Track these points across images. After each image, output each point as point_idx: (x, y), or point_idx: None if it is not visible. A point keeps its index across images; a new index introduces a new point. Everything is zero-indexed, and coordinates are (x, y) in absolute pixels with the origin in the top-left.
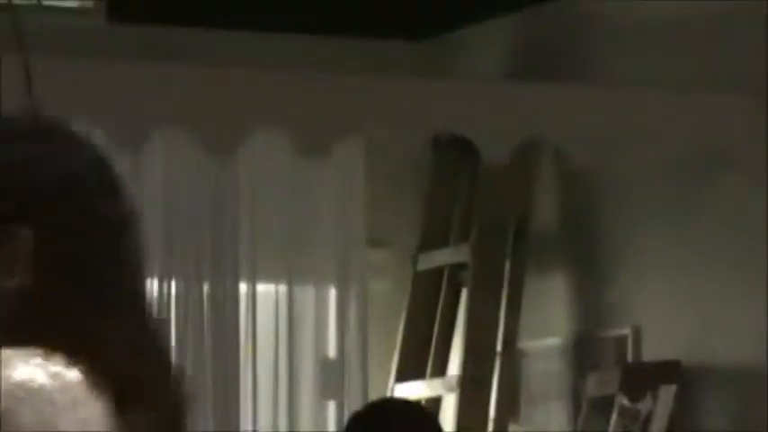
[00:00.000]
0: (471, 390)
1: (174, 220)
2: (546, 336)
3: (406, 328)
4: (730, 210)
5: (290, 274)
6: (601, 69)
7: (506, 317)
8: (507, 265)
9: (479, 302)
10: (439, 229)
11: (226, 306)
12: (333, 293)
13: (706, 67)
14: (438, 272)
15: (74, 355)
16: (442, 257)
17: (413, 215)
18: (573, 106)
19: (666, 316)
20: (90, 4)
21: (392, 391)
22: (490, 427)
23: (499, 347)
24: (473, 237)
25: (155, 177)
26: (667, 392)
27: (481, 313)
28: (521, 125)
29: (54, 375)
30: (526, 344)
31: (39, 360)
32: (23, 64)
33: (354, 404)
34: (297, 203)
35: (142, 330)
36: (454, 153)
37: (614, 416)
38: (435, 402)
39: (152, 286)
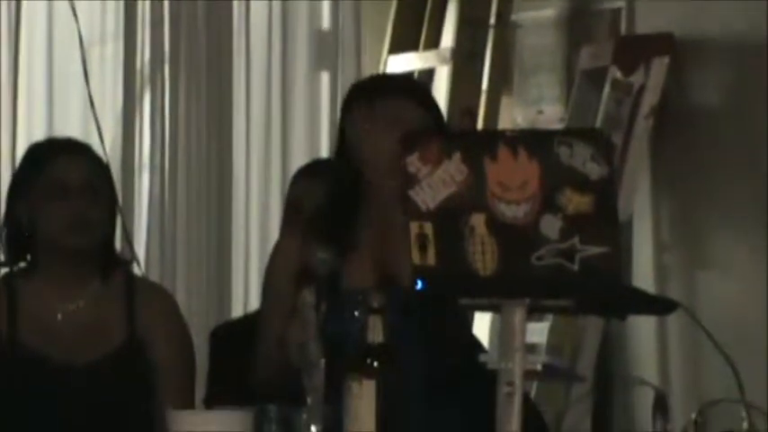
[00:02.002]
0: (464, 62)
1: None
2: (540, 8)
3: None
4: None
5: None
6: None
7: None
8: None
9: None
10: None
11: None
12: None
13: None
14: None
15: None
16: None
17: None
18: None
19: None
20: None
21: (385, 62)
22: (483, 98)
23: (492, 19)
24: None
25: None
26: (660, 65)
27: None
28: None
29: None
30: (520, 15)
31: None
32: None
33: (348, 75)
34: None
35: None
36: None
37: (606, 88)
38: (428, 74)
39: None
